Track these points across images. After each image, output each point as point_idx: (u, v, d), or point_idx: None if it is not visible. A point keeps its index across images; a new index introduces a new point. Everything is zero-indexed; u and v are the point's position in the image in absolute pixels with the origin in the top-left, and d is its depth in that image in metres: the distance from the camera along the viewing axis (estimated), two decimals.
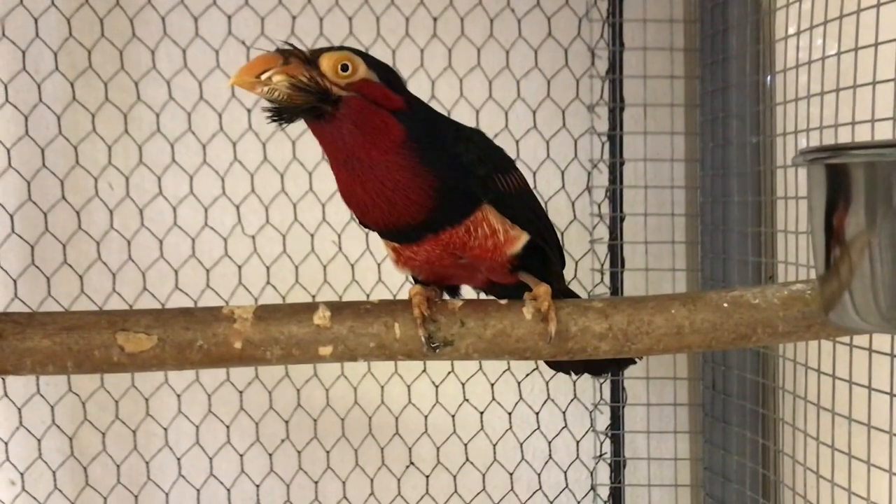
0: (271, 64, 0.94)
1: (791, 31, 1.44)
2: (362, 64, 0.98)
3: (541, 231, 1.10)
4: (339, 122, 0.97)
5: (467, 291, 1.17)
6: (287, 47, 0.96)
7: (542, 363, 1.75)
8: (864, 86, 1.22)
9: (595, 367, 1.28)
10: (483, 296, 1.19)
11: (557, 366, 1.31)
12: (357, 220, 1.07)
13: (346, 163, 0.99)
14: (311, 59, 0.96)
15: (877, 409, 1.23)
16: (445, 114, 1.66)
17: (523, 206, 1.09)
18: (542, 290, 1.05)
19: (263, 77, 0.94)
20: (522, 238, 1.06)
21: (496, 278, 1.11)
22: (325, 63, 0.96)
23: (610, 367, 1.32)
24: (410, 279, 1.13)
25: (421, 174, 0.99)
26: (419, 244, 1.03)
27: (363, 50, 1.66)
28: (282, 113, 0.96)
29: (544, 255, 1.11)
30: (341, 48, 0.99)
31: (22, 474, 1.67)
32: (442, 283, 1.11)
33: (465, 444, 1.75)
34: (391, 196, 0.99)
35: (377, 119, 0.98)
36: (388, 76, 1.01)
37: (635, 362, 1.27)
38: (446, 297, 1.11)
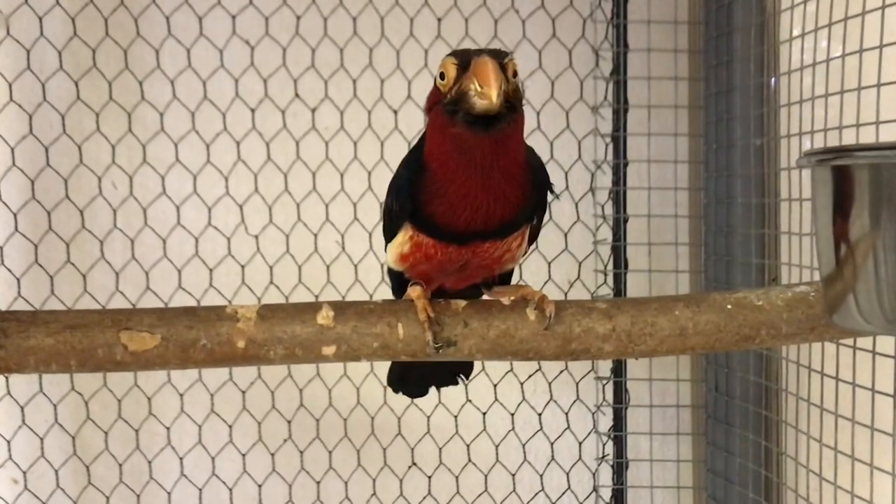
0: (500, 73, 0.93)
1: (796, 32, 1.44)
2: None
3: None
4: (509, 132, 0.96)
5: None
6: (491, 52, 0.95)
7: (543, 364, 1.75)
8: (868, 88, 1.21)
9: (438, 380, 1.30)
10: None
11: (402, 386, 1.31)
12: (395, 210, 1.06)
13: (484, 168, 0.97)
14: (503, 64, 0.95)
15: (880, 412, 1.22)
16: None
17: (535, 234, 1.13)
18: (529, 290, 1.07)
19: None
20: (524, 251, 1.10)
21: (467, 283, 1.12)
22: (510, 69, 0.96)
23: (450, 380, 1.31)
24: (387, 280, 1.16)
25: (524, 191, 1.01)
26: (461, 247, 1.03)
27: (369, 49, 1.67)
28: (490, 121, 0.94)
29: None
30: (508, 53, 0.98)
31: (24, 473, 1.67)
32: (427, 281, 1.11)
33: (468, 445, 1.75)
34: (495, 205, 0.99)
35: (521, 132, 1.00)
36: None
37: (465, 378, 1.29)
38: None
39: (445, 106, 0.95)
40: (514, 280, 1.61)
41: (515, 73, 0.97)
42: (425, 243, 1.04)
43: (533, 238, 1.11)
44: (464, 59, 0.94)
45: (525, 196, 1.01)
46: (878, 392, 1.22)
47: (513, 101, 0.95)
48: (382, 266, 1.69)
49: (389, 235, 1.09)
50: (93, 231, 1.66)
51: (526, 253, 1.11)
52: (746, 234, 1.59)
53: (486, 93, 0.90)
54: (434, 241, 1.03)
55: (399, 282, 1.13)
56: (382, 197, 1.64)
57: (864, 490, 1.25)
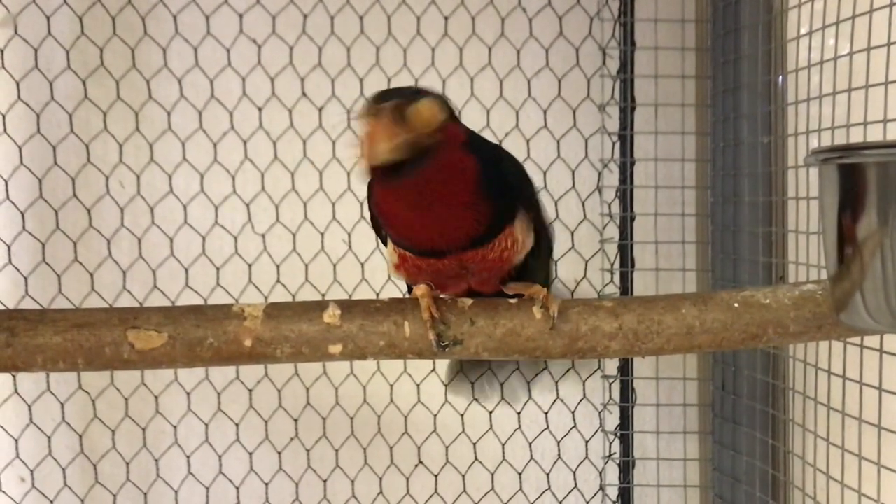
0: (389, 122, 0.93)
1: (803, 30, 1.44)
2: (442, 107, 0.97)
3: (545, 236, 1.12)
4: (429, 173, 0.95)
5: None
6: (375, 102, 0.94)
7: (549, 363, 1.75)
8: (876, 86, 1.21)
9: None
10: None
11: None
12: (375, 229, 1.07)
13: (421, 206, 0.98)
14: (400, 113, 0.94)
15: (887, 411, 1.22)
16: (456, 113, 1.67)
17: (542, 214, 1.12)
18: (536, 288, 1.06)
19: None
20: (529, 245, 1.08)
21: (483, 287, 1.11)
22: (413, 115, 0.94)
23: None
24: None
25: (483, 209, 0.99)
26: (441, 259, 1.03)
27: (375, 48, 1.67)
28: (383, 171, 0.94)
29: (533, 261, 1.12)
30: (422, 95, 0.96)
31: (32, 471, 1.67)
32: (438, 286, 1.11)
33: (474, 444, 1.75)
34: (450, 230, 0.99)
35: (459, 163, 0.98)
36: (451, 109, 0.99)
37: None
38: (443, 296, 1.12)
39: (362, 169, 0.97)
40: None
41: (432, 115, 0.95)
42: (408, 256, 1.05)
43: (540, 225, 1.10)
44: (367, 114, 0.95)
45: (488, 209, 1.00)
46: (885, 391, 1.22)
47: (418, 142, 0.93)
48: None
49: (383, 242, 1.10)
50: (100, 230, 1.66)
51: (527, 246, 1.09)
52: (753, 232, 1.58)
53: (371, 145, 0.92)
54: (412, 255, 1.04)
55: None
56: None
57: (871, 489, 1.24)
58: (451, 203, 0.98)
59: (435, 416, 1.74)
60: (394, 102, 0.93)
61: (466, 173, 0.98)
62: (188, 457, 1.71)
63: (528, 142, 1.70)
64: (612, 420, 1.77)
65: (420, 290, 1.04)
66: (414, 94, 0.96)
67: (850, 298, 0.91)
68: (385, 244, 1.09)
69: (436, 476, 1.75)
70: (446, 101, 0.98)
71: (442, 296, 1.09)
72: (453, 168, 0.97)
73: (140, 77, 1.66)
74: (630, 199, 1.71)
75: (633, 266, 1.72)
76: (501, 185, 1.02)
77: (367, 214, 1.66)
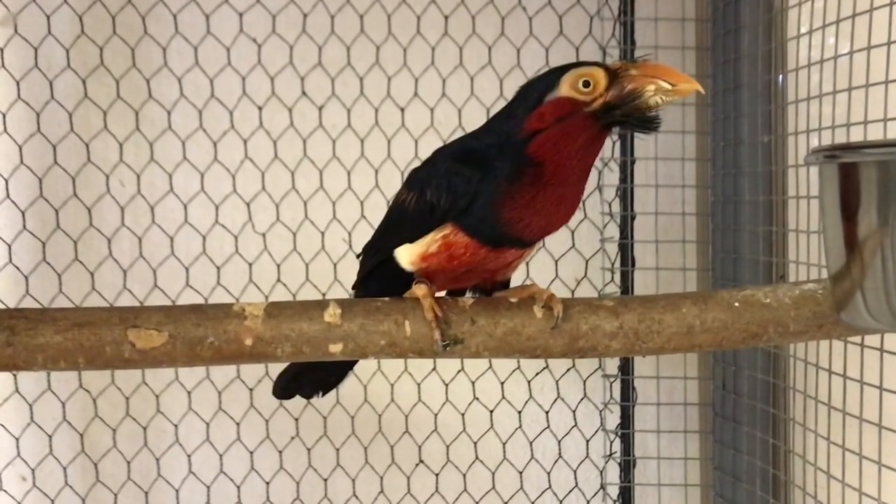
0: None
1: (803, 29, 1.44)
2: None
3: None
4: (603, 136, 1.01)
5: None
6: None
7: (551, 362, 1.75)
8: (876, 85, 1.21)
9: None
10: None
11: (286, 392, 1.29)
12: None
13: (584, 174, 1.02)
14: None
15: (888, 410, 1.22)
16: (456, 113, 1.68)
17: None
18: (537, 288, 1.06)
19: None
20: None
21: (461, 285, 1.12)
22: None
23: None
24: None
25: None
26: (494, 250, 1.03)
27: (376, 47, 1.67)
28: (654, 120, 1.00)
29: None
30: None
31: (33, 470, 1.67)
32: (435, 282, 1.10)
33: (475, 443, 1.75)
34: (564, 213, 1.03)
35: None
36: None
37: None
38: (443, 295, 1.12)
39: (595, 111, 0.98)
40: (521, 278, 1.62)
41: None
42: (459, 243, 1.03)
43: None
44: (609, 68, 0.98)
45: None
46: (885, 390, 1.22)
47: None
48: None
49: (416, 234, 1.06)
50: (100, 229, 1.66)
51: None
52: (754, 231, 1.58)
53: (680, 88, 0.96)
54: (471, 242, 1.02)
55: (389, 280, 1.10)
56: (390, 195, 1.65)
57: (871, 488, 1.25)
58: (584, 174, 1.03)
59: (436, 415, 1.74)
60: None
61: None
62: (189, 456, 1.71)
63: None
64: (613, 419, 1.77)
65: (421, 290, 1.04)
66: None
67: (851, 297, 0.91)
68: (419, 235, 1.05)
69: (436, 475, 1.75)
70: None
71: (439, 295, 1.09)
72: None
73: (140, 76, 1.66)
74: (630, 198, 1.71)
75: (633, 265, 1.72)
76: None
77: (370, 212, 1.67)
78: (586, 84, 0.98)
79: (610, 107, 0.98)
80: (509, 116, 1.02)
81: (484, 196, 1.00)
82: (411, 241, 1.05)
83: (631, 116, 0.98)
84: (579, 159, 1.00)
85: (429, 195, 1.03)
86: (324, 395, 1.28)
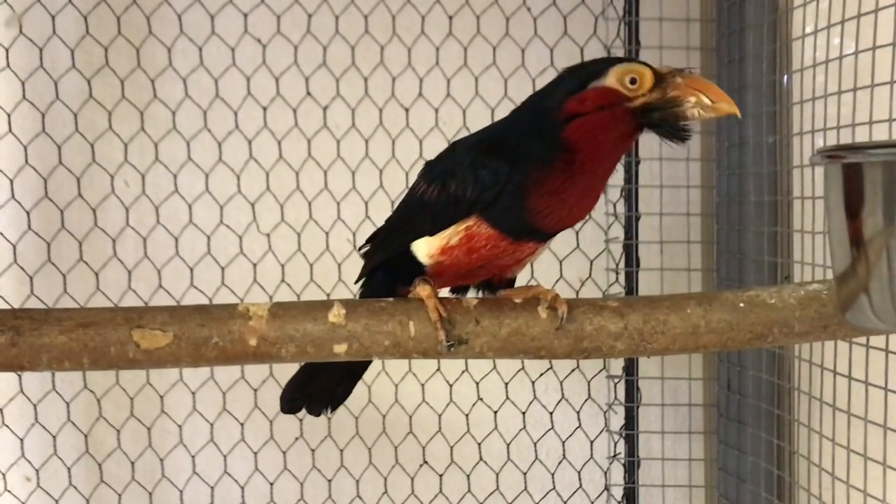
0: None
1: (808, 30, 1.43)
2: None
3: None
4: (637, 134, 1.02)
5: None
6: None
7: (555, 363, 1.75)
8: (881, 85, 1.21)
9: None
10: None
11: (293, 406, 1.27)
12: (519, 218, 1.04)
13: (610, 170, 1.03)
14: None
15: (893, 410, 1.22)
16: (461, 113, 1.67)
17: None
18: (541, 289, 1.06)
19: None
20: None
21: (468, 281, 1.11)
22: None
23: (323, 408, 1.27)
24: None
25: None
26: (515, 242, 1.03)
27: (380, 47, 1.67)
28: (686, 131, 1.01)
29: None
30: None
31: (37, 471, 1.67)
32: (444, 280, 1.10)
33: (479, 444, 1.75)
34: (586, 205, 1.04)
35: None
36: None
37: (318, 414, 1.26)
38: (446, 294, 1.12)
39: (635, 108, 0.99)
40: (526, 279, 1.62)
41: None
42: (481, 235, 1.02)
43: None
44: (657, 71, 1.00)
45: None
46: (890, 391, 1.22)
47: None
48: None
49: (437, 227, 1.05)
50: (105, 229, 1.66)
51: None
52: (759, 232, 1.58)
53: (719, 106, 0.97)
54: (493, 234, 1.02)
55: (400, 273, 1.10)
56: (394, 195, 1.65)
57: (876, 489, 1.24)
58: (609, 170, 1.04)
59: (440, 415, 1.74)
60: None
61: None
62: (193, 456, 1.71)
63: None
64: (617, 420, 1.77)
65: (425, 290, 1.04)
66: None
67: (856, 298, 0.91)
68: (440, 227, 1.05)
69: (441, 476, 1.75)
70: None
71: (443, 295, 1.09)
72: None
73: (145, 76, 1.66)
74: (635, 199, 1.71)
75: (638, 266, 1.72)
76: None
77: (374, 212, 1.67)
78: (633, 81, 0.99)
79: (650, 108, 0.99)
80: (546, 96, 1.03)
81: (513, 185, 1.00)
82: (431, 234, 1.05)
83: (666, 122, 0.99)
84: (611, 151, 1.01)
85: (453, 188, 1.03)
86: (333, 411, 1.25)
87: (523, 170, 1.00)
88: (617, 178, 1.72)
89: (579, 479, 1.78)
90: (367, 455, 1.73)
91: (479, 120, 1.67)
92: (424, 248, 1.06)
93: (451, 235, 1.04)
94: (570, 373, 1.76)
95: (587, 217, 1.68)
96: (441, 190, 1.04)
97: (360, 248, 1.21)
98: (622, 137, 1.00)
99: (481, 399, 1.74)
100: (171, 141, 1.67)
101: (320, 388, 1.21)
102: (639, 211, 1.71)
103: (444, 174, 1.04)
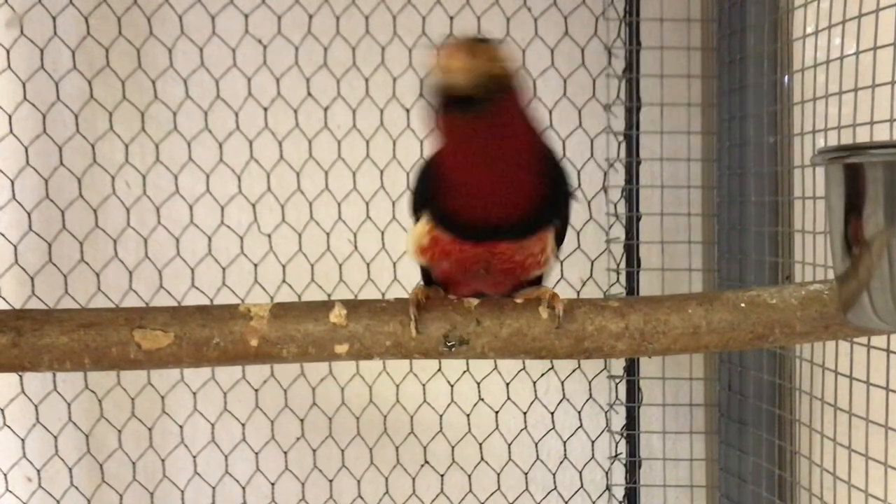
0: (471, 52, 0.93)
1: (809, 30, 1.43)
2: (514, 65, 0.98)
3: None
4: (499, 115, 0.95)
5: None
6: (471, 36, 0.95)
7: (556, 363, 1.75)
8: (882, 85, 1.21)
9: None
10: None
11: None
12: (422, 206, 1.05)
13: (485, 154, 0.97)
14: (482, 47, 0.94)
15: (894, 410, 1.22)
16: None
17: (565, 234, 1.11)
18: (548, 291, 1.07)
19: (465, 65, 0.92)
20: (551, 262, 1.08)
21: (499, 290, 1.11)
22: (492, 53, 0.94)
23: None
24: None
25: (539, 181, 1.00)
26: (476, 245, 1.02)
27: (381, 48, 1.67)
28: (470, 102, 0.93)
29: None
30: (493, 39, 0.97)
31: (38, 471, 1.67)
32: (449, 284, 1.11)
33: (480, 444, 1.75)
34: (508, 194, 0.99)
35: (523, 117, 0.99)
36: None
37: None
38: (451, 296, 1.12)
39: (433, 94, 0.96)
40: None
41: (505, 60, 0.95)
42: (443, 239, 1.03)
43: (558, 245, 1.10)
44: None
45: (539, 187, 1.00)
46: (892, 391, 1.22)
47: (494, 83, 0.93)
48: (394, 265, 1.69)
49: (413, 218, 1.08)
50: (106, 230, 1.66)
51: (550, 262, 1.10)
52: (760, 232, 1.58)
53: (448, 67, 0.91)
54: (451, 238, 1.02)
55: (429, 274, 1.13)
56: (395, 195, 1.66)
57: (878, 489, 1.24)
58: (513, 157, 0.98)
59: (441, 416, 1.74)
60: (477, 37, 0.95)
61: (532, 135, 1.00)
62: (194, 456, 1.71)
63: None
64: (619, 420, 1.77)
65: (417, 288, 1.05)
66: (489, 39, 0.97)
67: (857, 298, 0.91)
68: (416, 219, 1.07)
69: (442, 476, 1.75)
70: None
71: (450, 297, 1.09)
72: (520, 121, 0.98)
73: (146, 77, 1.66)
74: (636, 199, 1.71)
75: (639, 266, 1.72)
76: (554, 180, 1.03)
77: (375, 212, 1.67)
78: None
79: (434, 89, 0.95)
80: None
81: (431, 184, 1.02)
82: (416, 219, 1.07)
83: (441, 98, 0.95)
84: (453, 140, 0.99)
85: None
86: None
87: (433, 169, 1.01)
88: (618, 178, 1.72)
89: (580, 479, 1.78)
90: (369, 455, 1.73)
91: None
92: (409, 242, 1.08)
93: (421, 235, 1.05)
94: (572, 373, 1.76)
95: (577, 221, 1.70)
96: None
97: None
98: (444, 124, 0.97)
99: (482, 399, 1.74)
100: (171, 141, 1.67)
101: None
102: (640, 211, 1.71)
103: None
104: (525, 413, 1.76)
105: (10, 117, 1.62)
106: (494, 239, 1.02)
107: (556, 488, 1.78)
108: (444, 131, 0.98)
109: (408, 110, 1.68)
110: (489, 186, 0.98)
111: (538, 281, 1.12)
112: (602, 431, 1.78)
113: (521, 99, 0.98)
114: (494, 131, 0.96)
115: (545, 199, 1.01)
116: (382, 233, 1.69)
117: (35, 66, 1.62)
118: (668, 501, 1.79)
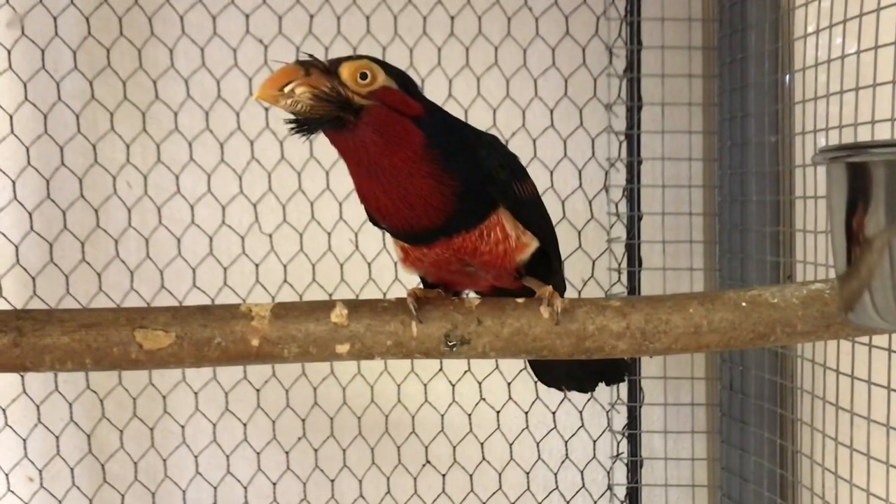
0: (293, 76, 0.95)
1: (810, 29, 1.43)
2: (381, 72, 0.98)
3: (548, 238, 1.11)
4: (362, 131, 0.96)
5: None
6: (307, 58, 0.97)
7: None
8: (883, 84, 1.21)
9: (584, 382, 1.29)
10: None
11: (546, 378, 1.31)
12: (370, 220, 1.07)
13: (369, 170, 0.98)
14: (330, 69, 0.96)
15: (895, 409, 1.22)
16: (462, 113, 1.67)
17: (535, 213, 1.10)
18: (547, 289, 1.06)
19: (286, 90, 0.95)
20: (532, 245, 1.07)
21: (501, 284, 1.11)
22: (346, 72, 0.96)
23: (597, 381, 1.31)
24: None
25: (442, 180, 0.99)
26: (430, 247, 1.03)
27: (382, 48, 1.67)
28: (305, 124, 0.96)
29: (549, 261, 1.11)
30: (360, 57, 0.98)
31: (40, 471, 1.67)
32: (448, 285, 1.11)
33: (482, 444, 1.75)
34: (413, 202, 0.98)
35: (398, 127, 0.98)
36: (406, 83, 1.01)
37: (624, 379, 1.31)
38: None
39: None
40: None
41: (366, 76, 0.97)
42: (405, 247, 1.06)
43: (530, 221, 1.07)
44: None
45: (450, 182, 0.99)
46: (893, 390, 1.22)
47: (335, 100, 0.95)
48: (395, 265, 1.69)
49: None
50: (107, 230, 1.66)
51: (525, 239, 1.07)
52: (761, 231, 1.58)
53: (266, 95, 0.95)
54: (407, 245, 1.05)
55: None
56: None
57: (879, 488, 1.24)
58: (397, 166, 0.98)
59: (442, 416, 1.74)
60: (315, 59, 0.97)
61: (412, 137, 0.98)
62: (196, 456, 1.71)
63: (534, 141, 1.70)
64: (620, 420, 1.77)
65: (410, 289, 1.05)
66: (349, 57, 0.99)
67: (859, 297, 0.91)
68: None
69: (443, 476, 1.75)
70: (400, 73, 1.00)
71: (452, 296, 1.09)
72: (391, 128, 0.97)
73: (147, 77, 1.66)
74: (637, 199, 1.71)
75: (640, 265, 1.72)
76: (472, 169, 1.01)
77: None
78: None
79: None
80: None
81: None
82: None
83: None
84: (343, 157, 1.01)
85: None
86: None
87: None
88: (619, 178, 1.72)
89: (582, 478, 1.78)
90: (370, 455, 1.73)
91: (482, 120, 1.67)
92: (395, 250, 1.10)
93: (394, 244, 1.08)
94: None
95: (578, 221, 1.70)
96: None
97: None
98: (339, 140, 0.99)
99: (484, 399, 1.74)
100: (173, 141, 1.67)
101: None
102: (641, 211, 1.71)
103: None
104: (526, 413, 1.76)
105: (11, 117, 1.62)
106: (441, 238, 1.02)
107: (557, 488, 1.78)
108: (338, 150, 1.01)
109: None
110: (385, 197, 0.99)
111: (544, 272, 1.11)
112: (603, 431, 1.78)
113: (393, 102, 0.98)
114: (365, 145, 0.97)
115: (460, 186, 1.00)
116: (384, 233, 1.69)
117: (36, 67, 1.62)
118: (670, 501, 1.79)
